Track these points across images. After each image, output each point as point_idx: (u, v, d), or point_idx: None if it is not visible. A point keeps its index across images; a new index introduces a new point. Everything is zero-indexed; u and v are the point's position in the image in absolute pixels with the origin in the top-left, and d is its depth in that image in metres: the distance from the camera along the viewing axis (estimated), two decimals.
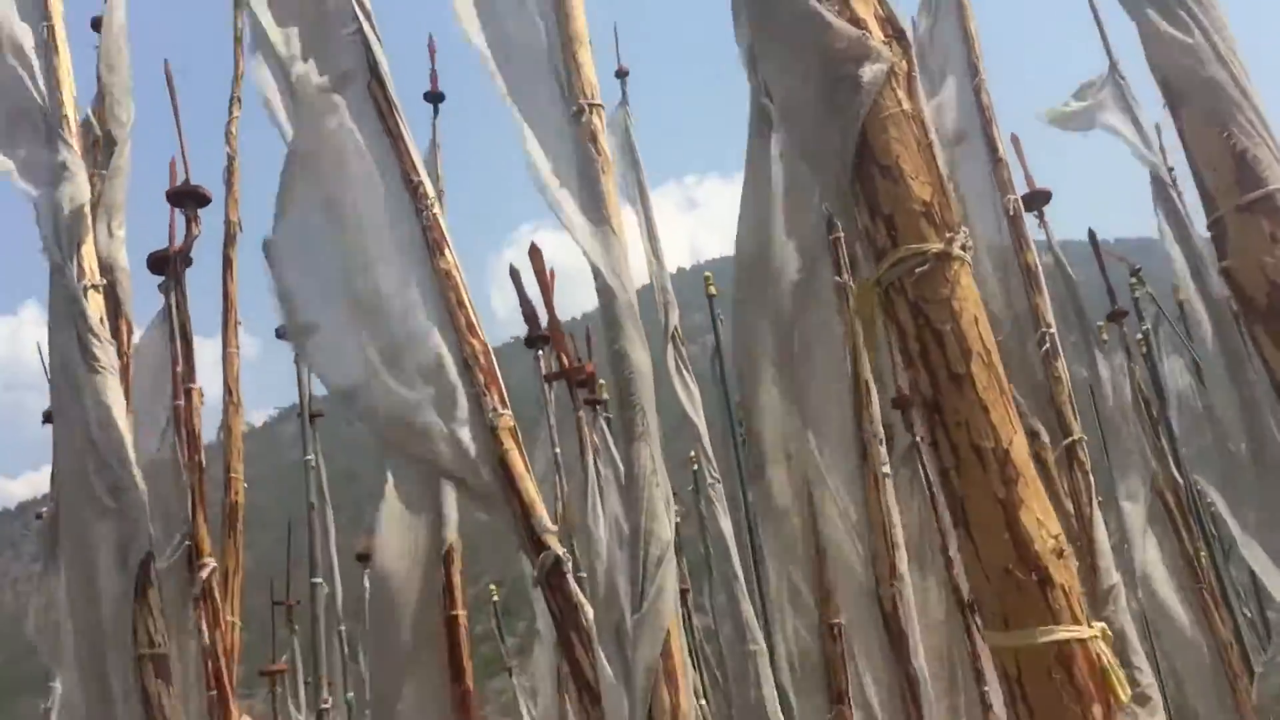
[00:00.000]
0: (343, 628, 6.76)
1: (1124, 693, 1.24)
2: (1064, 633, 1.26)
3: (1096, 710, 1.25)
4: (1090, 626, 1.27)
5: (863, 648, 3.41)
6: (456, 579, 3.08)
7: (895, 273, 1.39)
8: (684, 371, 5.34)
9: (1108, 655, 1.27)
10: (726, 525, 6.51)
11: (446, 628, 3.04)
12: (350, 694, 6.82)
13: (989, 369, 1.36)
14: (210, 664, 3.24)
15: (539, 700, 6.29)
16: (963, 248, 1.38)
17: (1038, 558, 1.29)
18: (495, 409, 2.37)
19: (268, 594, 6.99)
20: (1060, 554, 1.29)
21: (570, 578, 2.25)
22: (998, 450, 1.33)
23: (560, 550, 2.26)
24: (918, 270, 1.38)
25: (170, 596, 3.11)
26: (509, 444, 2.34)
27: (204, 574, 3.18)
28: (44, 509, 5.42)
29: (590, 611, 2.25)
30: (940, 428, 1.36)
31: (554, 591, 2.24)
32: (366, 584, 7.15)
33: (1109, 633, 1.29)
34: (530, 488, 2.33)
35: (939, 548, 4.16)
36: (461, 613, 3.07)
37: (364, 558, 7.15)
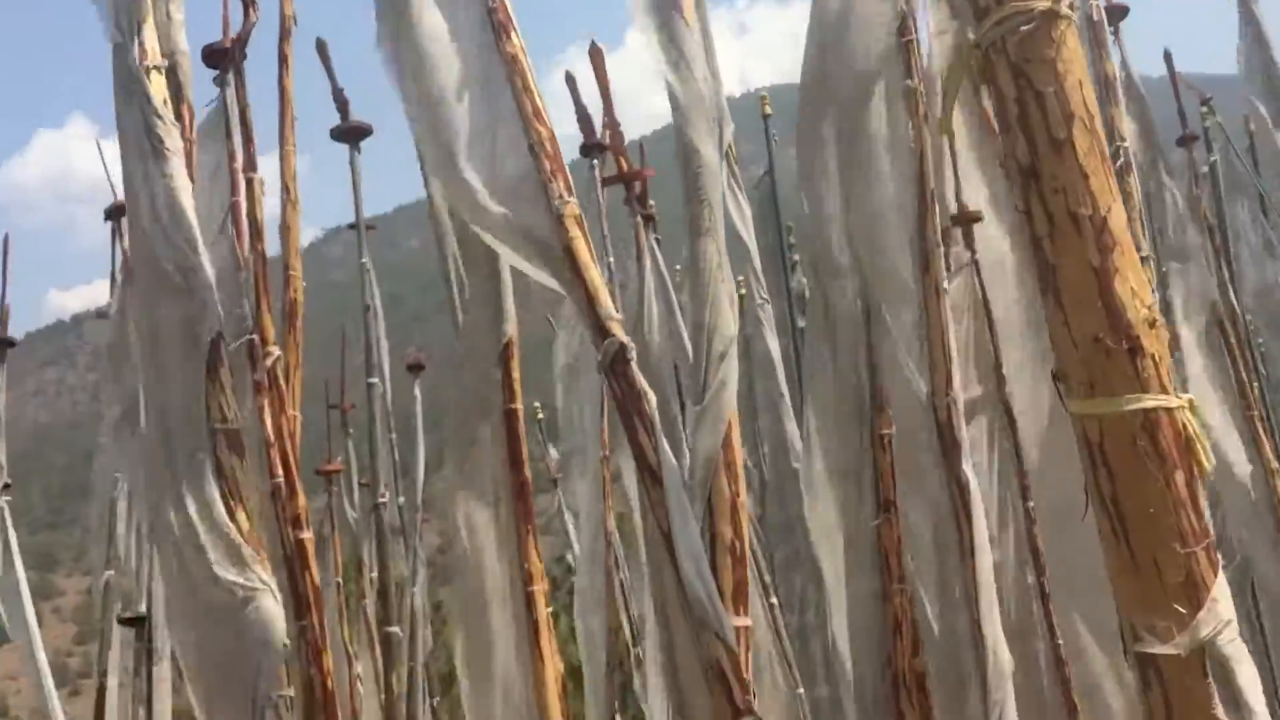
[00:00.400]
0: (394, 436, 6.92)
1: (1208, 461, 1.24)
2: (1151, 401, 1.25)
3: (1179, 477, 1.25)
4: (1178, 396, 1.27)
5: (913, 458, 3.45)
6: (515, 373, 3.12)
7: (998, 32, 1.34)
8: (736, 190, 5.27)
9: (1193, 425, 1.26)
10: (774, 345, 6.53)
11: (505, 420, 3.09)
12: (401, 499, 7.00)
13: (1090, 134, 1.31)
14: (274, 452, 3.31)
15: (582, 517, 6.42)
16: (1070, 6, 1.32)
17: (1129, 326, 1.27)
18: (561, 196, 2.35)
19: (317, 407, 7.14)
20: (1152, 324, 1.28)
21: (634, 365, 2.26)
22: (1095, 218, 1.30)
23: (625, 338, 2.27)
24: (1022, 29, 1.32)
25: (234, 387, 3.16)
26: (575, 231, 2.33)
27: (269, 362, 3.22)
28: (106, 306, 5.49)
29: (654, 398, 2.27)
30: (1036, 195, 1.33)
31: (618, 378, 2.26)
32: (417, 393, 7.28)
33: (1195, 404, 1.29)
34: (595, 276, 2.33)
35: (992, 367, 4.15)
36: (519, 406, 3.12)
37: (414, 368, 7.26)
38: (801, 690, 5.27)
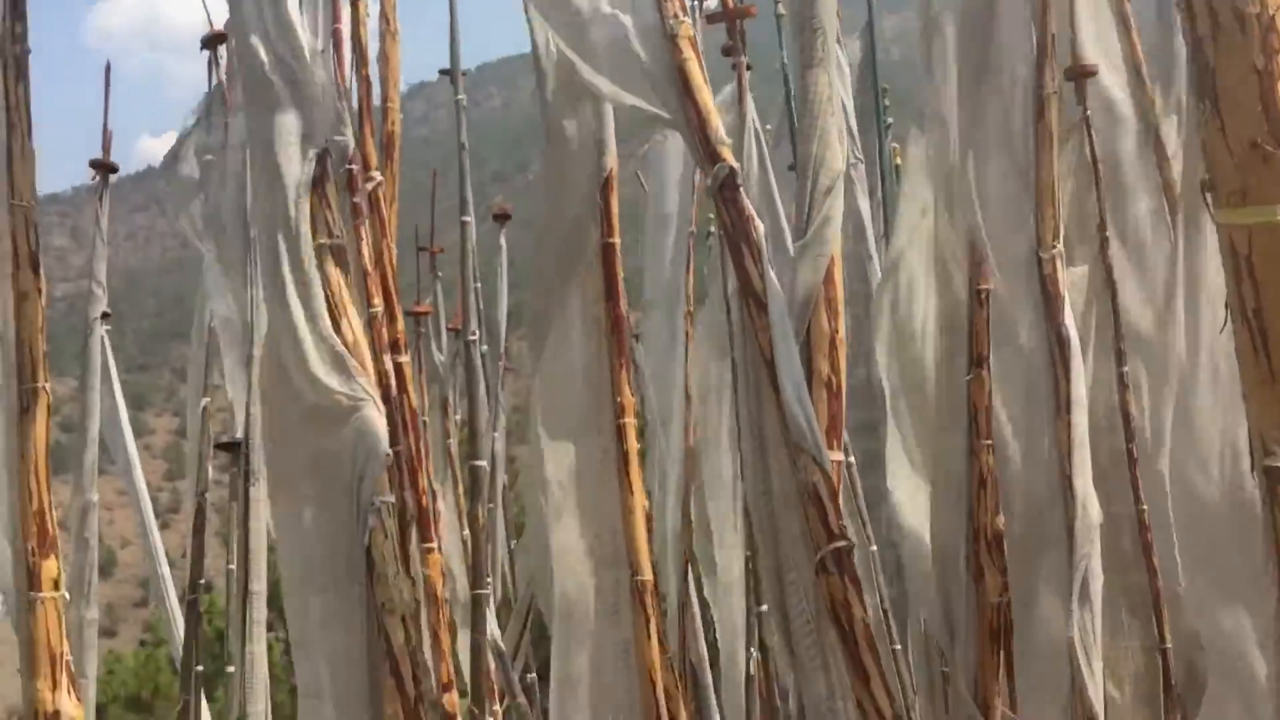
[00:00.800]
0: (479, 285, 6.98)
1: None
2: None
3: None
4: None
5: (1012, 311, 3.40)
6: (614, 206, 3.10)
7: None
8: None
9: None
10: (864, 207, 6.42)
11: (603, 254, 3.09)
12: (485, 347, 7.09)
13: None
14: (372, 281, 3.35)
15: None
16: None
17: None
18: (675, 16, 2.29)
19: (405, 251, 7.19)
20: None
21: (743, 189, 2.23)
22: (1262, 17, 1.23)
23: (734, 162, 2.24)
24: None
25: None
26: (688, 53, 2.28)
27: (370, 187, 3.24)
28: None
29: (760, 226, 2.25)
30: None
31: (726, 204, 2.24)
32: (503, 242, 7.30)
33: None
34: (707, 99, 2.29)
35: (1096, 227, 4.05)
36: (616, 240, 3.11)
37: (501, 217, 7.27)
38: (875, 548, 5.32)
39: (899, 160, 7.08)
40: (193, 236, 5.41)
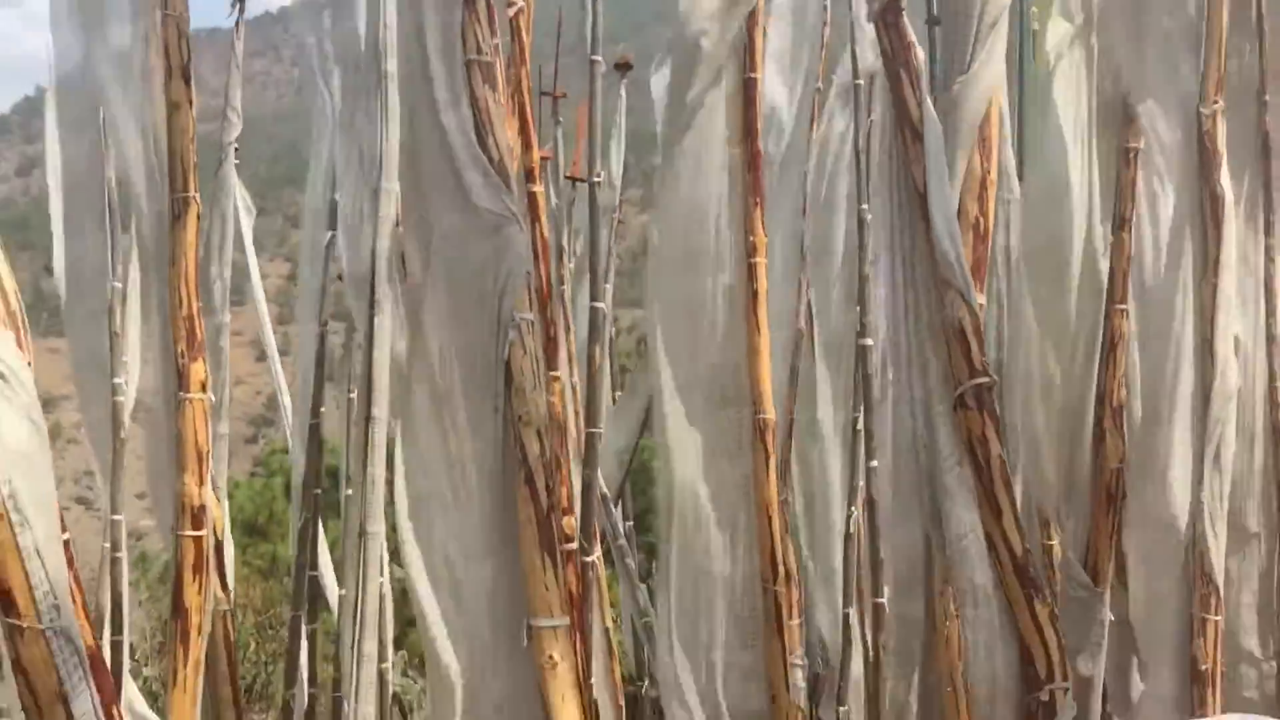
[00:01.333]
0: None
1: None
2: None
3: None
4: None
5: (1163, 169, 3.28)
6: (759, 41, 3.03)
7: None
8: None
9: None
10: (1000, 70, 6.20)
11: (744, 89, 3.04)
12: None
13: None
14: (509, 108, 3.35)
15: None
16: None
17: None
18: None
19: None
20: None
21: (905, 15, 2.17)
22: None
23: None
24: None
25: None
26: None
27: (511, 12, 3.21)
28: None
29: (921, 53, 2.19)
30: None
31: (888, 29, 2.17)
32: (623, 93, 7.21)
33: None
34: None
35: (1254, 92, 3.85)
36: (759, 75, 3.05)
37: (622, 66, 7.16)
38: None
39: (1036, 26, 6.80)
40: (316, 75, 5.40)
